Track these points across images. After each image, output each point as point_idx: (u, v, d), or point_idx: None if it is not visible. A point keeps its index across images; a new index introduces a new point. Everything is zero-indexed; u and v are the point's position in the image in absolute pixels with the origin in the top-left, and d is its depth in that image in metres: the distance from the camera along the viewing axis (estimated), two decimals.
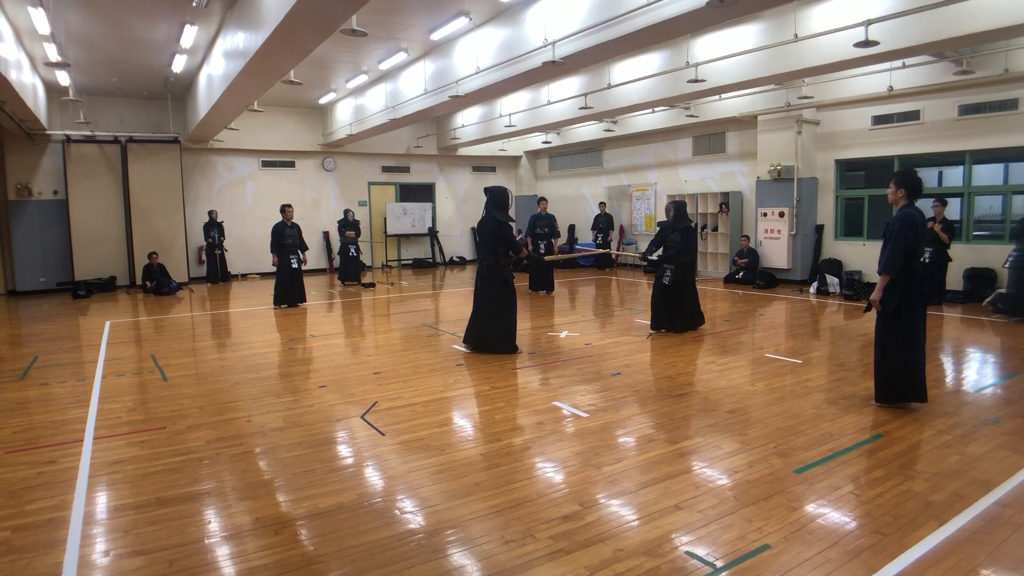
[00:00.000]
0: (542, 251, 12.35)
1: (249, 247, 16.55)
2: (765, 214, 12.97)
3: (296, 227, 11.37)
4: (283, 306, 11.09)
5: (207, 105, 11.87)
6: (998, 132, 10.06)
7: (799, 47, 8.26)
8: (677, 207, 8.23)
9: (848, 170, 12.76)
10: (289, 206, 11.36)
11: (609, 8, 7.34)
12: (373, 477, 3.95)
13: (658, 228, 8.26)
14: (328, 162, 17.77)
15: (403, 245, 19.11)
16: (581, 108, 11.95)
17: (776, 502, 3.45)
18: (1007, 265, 8.99)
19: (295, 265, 11.18)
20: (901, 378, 4.91)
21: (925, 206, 12.83)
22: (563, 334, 8.25)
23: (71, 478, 3.95)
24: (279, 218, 11.30)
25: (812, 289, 11.81)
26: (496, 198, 7.08)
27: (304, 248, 11.44)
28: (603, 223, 16.74)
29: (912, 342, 4.89)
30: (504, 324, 7.06)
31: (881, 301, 4.85)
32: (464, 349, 7.36)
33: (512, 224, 7.17)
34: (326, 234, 17.63)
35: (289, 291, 11.20)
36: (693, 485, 3.68)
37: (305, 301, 11.41)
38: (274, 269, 11.31)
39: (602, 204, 16.92)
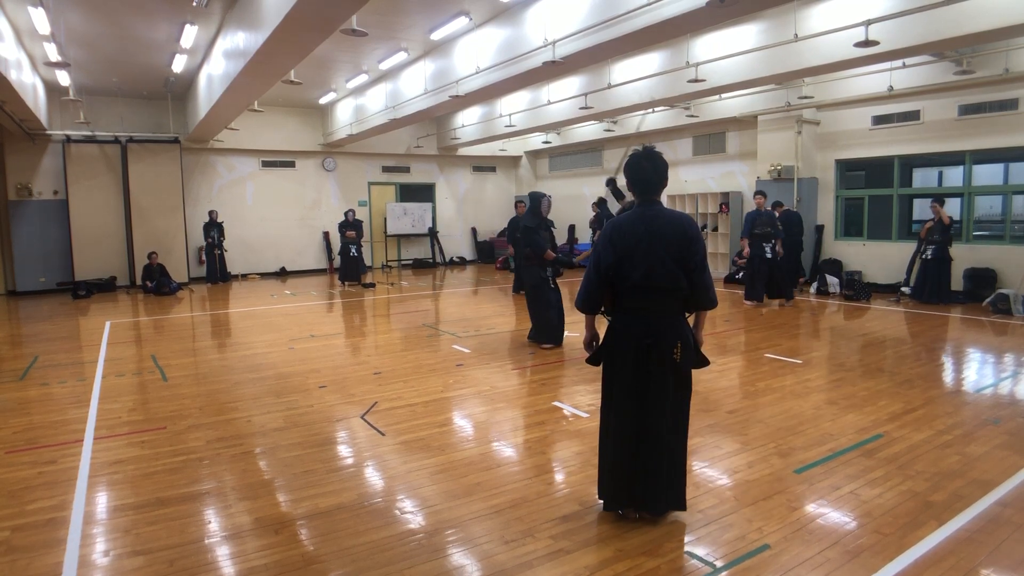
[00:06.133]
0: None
1: (249, 247, 16.55)
2: None
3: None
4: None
5: (207, 105, 11.87)
6: (998, 132, 10.06)
7: (799, 47, 8.26)
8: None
9: (848, 170, 12.76)
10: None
11: (609, 8, 7.34)
12: (373, 477, 3.95)
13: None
14: (328, 162, 17.77)
15: (403, 245, 19.11)
16: (581, 108, 11.94)
17: (776, 502, 3.45)
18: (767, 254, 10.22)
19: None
20: (606, 472, 3.33)
21: (922, 210, 12.85)
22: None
23: (71, 478, 3.95)
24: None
25: (812, 289, 11.80)
26: (529, 202, 7.75)
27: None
28: (602, 223, 16.74)
29: (613, 428, 3.25)
30: (535, 316, 7.67)
31: (588, 347, 3.43)
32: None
33: (543, 227, 7.67)
34: (326, 234, 17.62)
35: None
36: (693, 485, 3.67)
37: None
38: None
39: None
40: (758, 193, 10.56)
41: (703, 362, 3.38)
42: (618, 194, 7.54)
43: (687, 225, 3.19)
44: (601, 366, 3.38)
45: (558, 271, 7.65)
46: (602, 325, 3.40)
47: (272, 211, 17.00)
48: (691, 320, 3.36)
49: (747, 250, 10.63)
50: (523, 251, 7.65)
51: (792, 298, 10.50)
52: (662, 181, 3.25)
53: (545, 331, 7.54)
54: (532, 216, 7.61)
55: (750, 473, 3.85)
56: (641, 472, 3.19)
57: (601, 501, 3.40)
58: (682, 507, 3.30)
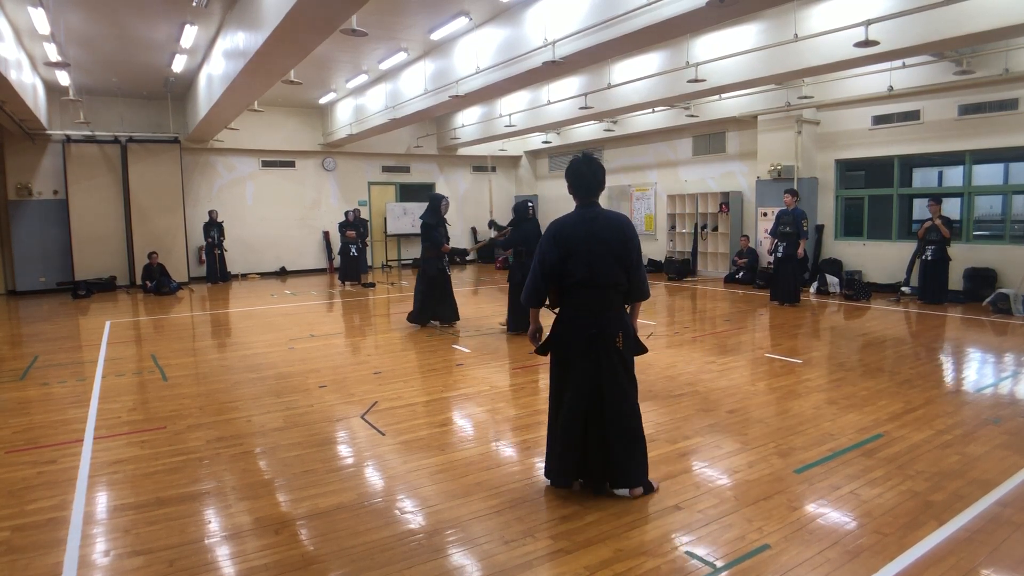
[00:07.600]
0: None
1: (249, 247, 16.55)
2: (765, 214, 12.96)
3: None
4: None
5: (207, 105, 11.87)
6: (998, 132, 10.05)
7: (799, 47, 8.26)
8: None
9: (848, 170, 12.76)
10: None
11: (609, 8, 7.34)
12: (373, 477, 3.95)
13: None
14: (328, 162, 17.77)
15: (403, 245, 19.11)
16: (581, 108, 11.94)
17: (776, 502, 3.45)
18: (778, 254, 10.41)
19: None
20: (552, 447, 3.62)
21: (922, 210, 12.85)
22: None
23: (71, 478, 3.95)
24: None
25: (812, 289, 11.80)
26: (429, 203, 8.63)
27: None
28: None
29: (562, 412, 3.48)
30: (426, 301, 8.74)
31: (533, 339, 3.71)
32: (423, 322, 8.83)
33: (441, 224, 8.62)
34: (326, 234, 17.62)
35: None
36: (693, 485, 3.68)
37: None
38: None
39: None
40: (787, 192, 10.46)
41: (642, 349, 3.66)
42: (498, 227, 8.93)
43: (624, 226, 3.46)
44: (549, 357, 3.62)
45: (455, 259, 8.36)
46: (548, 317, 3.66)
47: (272, 211, 17.00)
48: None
49: (769, 248, 10.82)
50: (424, 245, 8.62)
51: (784, 302, 10.33)
52: (600, 184, 3.52)
53: (419, 312, 8.75)
54: (432, 215, 8.45)
55: (750, 473, 3.85)
56: (602, 449, 3.43)
57: (548, 479, 3.66)
58: (645, 477, 3.51)
